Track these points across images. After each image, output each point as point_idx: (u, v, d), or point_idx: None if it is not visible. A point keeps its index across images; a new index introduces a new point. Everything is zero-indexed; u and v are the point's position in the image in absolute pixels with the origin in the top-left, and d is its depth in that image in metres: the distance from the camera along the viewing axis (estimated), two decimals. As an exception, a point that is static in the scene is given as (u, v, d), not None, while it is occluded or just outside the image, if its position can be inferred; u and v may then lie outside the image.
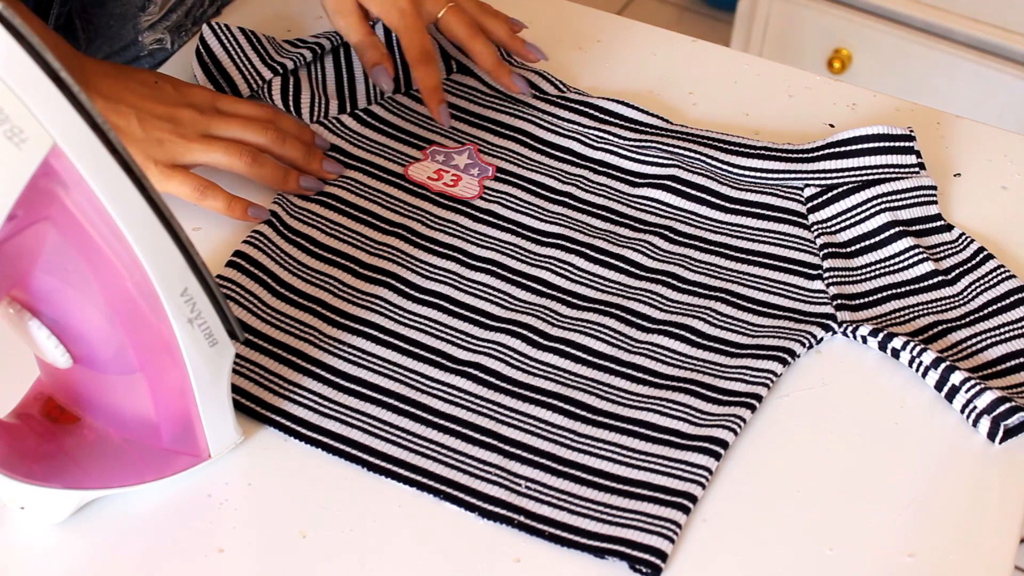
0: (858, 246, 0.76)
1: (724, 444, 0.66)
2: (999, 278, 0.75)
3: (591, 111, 0.84)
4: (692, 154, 0.81)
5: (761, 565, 0.62)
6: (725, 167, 0.80)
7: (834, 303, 0.73)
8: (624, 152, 0.82)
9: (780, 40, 1.69)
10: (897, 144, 0.79)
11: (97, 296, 0.57)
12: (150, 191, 0.55)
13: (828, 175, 0.80)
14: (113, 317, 0.58)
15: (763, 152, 0.81)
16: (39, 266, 0.56)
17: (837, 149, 0.80)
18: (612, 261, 0.75)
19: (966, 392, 0.68)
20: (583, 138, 0.83)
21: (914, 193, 0.79)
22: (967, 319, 0.73)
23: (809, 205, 0.79)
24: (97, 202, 0.54)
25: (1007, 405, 0.67)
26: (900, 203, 0.78)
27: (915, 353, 0.70)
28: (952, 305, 0.74)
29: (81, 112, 0.52)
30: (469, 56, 0.84)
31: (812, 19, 1.64)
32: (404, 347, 0.70)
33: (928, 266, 0.75)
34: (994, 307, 0.73)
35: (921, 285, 0.74)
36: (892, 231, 0.76)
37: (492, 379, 0.69)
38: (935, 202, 0.79)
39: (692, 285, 0.74)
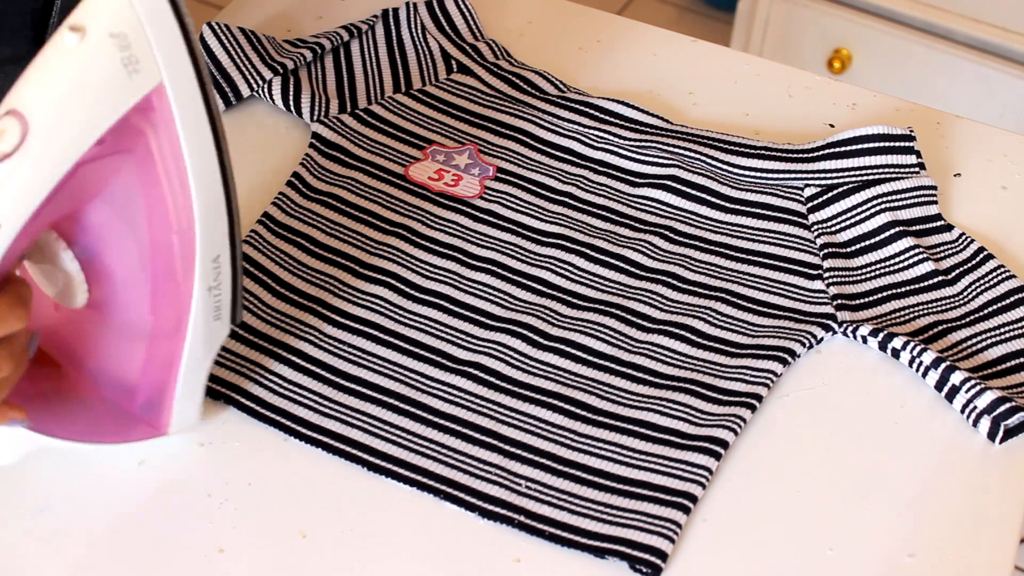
0: (858, 246, 0.76)
1: (724, 444, 0.66)
2: (999, 278, 0.75)
3: (591, 111, 0.84)
4: (692, 154, 0.81)
5: (761, 565, 0.62)
6: (725, 167, 0.80)
7: (834, 303, 0.73)
8: (624, 152, 0.82)
9: (780, 40, 1.68)
10: (897, 144, 0.79)
11: (143, 240, 0.57)
12: (224, 152, 0.56)
13: (828, 175, 0.80)
14: (147, 265, 0.58)
15: (763, 152, 0.81)
16: (103, 196, 0.56)
17: (837, 149, 0.80)
18: (612, 261, 0.75)
19: (966, 392, 0.68)
20: (583, 138, 0.83)
21: (914, 193, 0.79)
22: (967, 319, 0.73)
23: (809, 205, 0.79)
24: (178, 149, 0.55)
25: (1007, 405, 0.67)
26: (900, 203, 0.78)
27: (915, 353, 0.70)
28: (952, 305, 0.74)
29: (193, 61, 0.53)
30: None
31: (812, 19, 1.64)
32: (404, 347, 0.70)
33: (928, 266, 0.75)
34: (994, 307, 0.73)
35: (921, 285, 0.74)
36: (892, 231, 0.76)
37: (492, 379, 0.69)
38: (935, 202, 0.79)
39: (692, 285, 0.74)
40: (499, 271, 0.74)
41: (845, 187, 0.79)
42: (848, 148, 0.80)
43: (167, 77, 0.53)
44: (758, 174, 0.80)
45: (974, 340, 0.72)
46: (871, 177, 0.79)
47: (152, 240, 0.57)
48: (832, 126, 0.86)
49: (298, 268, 0.73)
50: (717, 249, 0.77)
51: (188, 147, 0.55)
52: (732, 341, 0.71)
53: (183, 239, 0.57)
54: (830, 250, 0.76)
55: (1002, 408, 0.67)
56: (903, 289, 0.74)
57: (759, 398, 0.68)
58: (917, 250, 0.75)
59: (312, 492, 0.64)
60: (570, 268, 0.75)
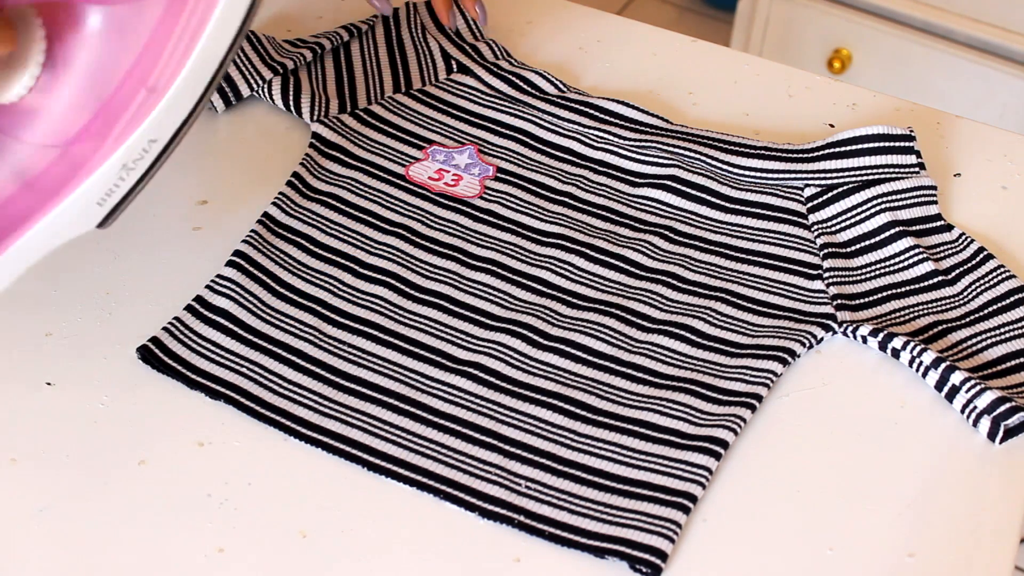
0: (858, 246, 0.76)
1: (724, 444, 0.66)
2: (999, 278, 0.75)
3: (591, 111, 0.84)
4: (692, 154, 0.81)
5: (761, 565, 0.62)
6: (725, 167, 0.80)
7: (834, 303, 0.73)
8: (624, 152, 0.82)
9: (780, 40, 1.69)
10: (897, 144, 0.80)
11: (113, 75, 0.54)
12: (230, 54, 0.54)
13: (828, 175, 0.80)
14: (97, 101, 0.54)
15: (763, 152, 0.81)
16: (115, 7, 0.53)
17: (837, 149, 0.80)
18: (612, 261, 0.75)
19: (966, 392, 0.68)
20: (583, 138, 0.83)
21: (914, 193, 0.79)
22: (967, 319, 0.73)
23: (809, 205, 0.79)
24: (207, 15, 0.53)
25: (1007, 405, 0.67)
26: (900, 203, 0.78)
27: (915, 353, 0.70)
28: (952, 305, 0.74)
29: None
30: None
31: (812, 19, 1.64)
32: (404, 347, 0.70)
33: (928, 266, 0.75)
34: (994, 307, 0.73)
35: (921, 285, 0.74)
36: (892, 231, 0.76)
37: (492, 379, 0.69)
38: (935, 202, 0.79)
39: (692, 285, 0.74)
40: (499, 271, 0.74)
41: (845, 187, 0.79)
42: (848, 148, 0.80)
43: None
44: (758, 174, 0.80)
45: (974, 340, 0.72)
46: (871, 177, 0.79)
47: (122, 81, 0.54)
48: (832, 126, 0.86)
49: (298, 268, 0.73)
50: (717, 249, 0.77)
51: (217, 21, 0.52)
52: (732, 341, 0.71)
53: (147, 100, 0.53)
54: (830, 250, 0.76)
55: (1002, 408, 0.67)
56: (903, 289, 0.74)
57: (759, 398, 0.68)
58: (917, 250, 0.75)
59: (312, 492, 0.64)
60: (570, 268, 0.75)
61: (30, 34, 0.54)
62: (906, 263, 0.75)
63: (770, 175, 0.80)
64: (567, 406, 0.67)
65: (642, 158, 0.81)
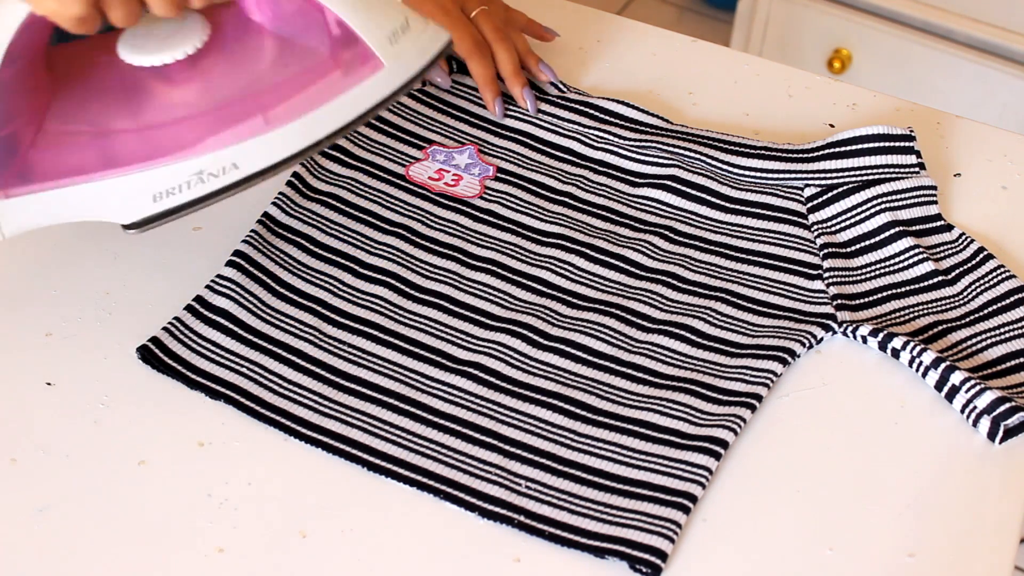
0: (858, 246, 0.76)
1: (724, 444, 0.66)
2: (999, 278, 0.75)
3: (591, 111, 0.84)
4: (692, 154, 0.81)
5: (761, 565, 0.62)
6: (725, 167, 0.80)
7: (834, 303, 0.73)
8: (624, 152, 0.82)
9: (780, 40, 1.69)
10: (897, 144, 0.80)
11: (253, 89, 0.55)
12: (353, 126, 0.57)
13: (828, 175, 0.80)
14: (220, 99, 0.55)
15: (763, 152, 0.81)
16: (299, 18, 0.55)
17: (837, 149, 0.80)
18: (612, 261, 0.75)
19: (966, 392, 0.68)
20: (583, 138, 0.83)
21: (914, 193, 0.79)
22: (967, 319, 0.73)
23: (809, 205, 0.79)
24: (346, 83, 0.56)
25: (1007, 405, 0.67)
26: (900, 203, 0.78)
27: (915, 353, 0.70)
28: (952, 305, 0.74)
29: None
30: (494, 57, 0.85)
31: (812, 19, 1.64)
32: (404, 347, 0.70)
33: (928, 266, 0.75)
34: (994, 307, 0.73)
35: (921, 285, 0.74)
36: (892, 231, 0.76)
37: (492, 379, 0.69)
38: (935, 202, 0.79)
39: (692, 285, 0.74)
40: (499, 271, 0.74)
41: (845, 187, 0.79)
42: (848, 148, 0.80)
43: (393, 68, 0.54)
44: (758, 174, 0.80)
45: (974, 340, 0.72)
46: (871, 177, 0.79)
47: (244, 99, 0.54)
48: (832, 126, 0.86)
49: (298, 268, 0.73)
50: (717, 249, 0.77)
51: (356, 92, 0.54)
52: (732, 341, 0.71)
53: (255, 127, 0.54)
54: (830, 250, 0.76)
55: (1002, 408, 0.67)
56: (903, 289, 0.74)
57: (759, 398, 0.68)
58: (917, 250, 0.75)
59: (312, 492, 0.64)
60: (570, 268, 0.75)
61: (193, 27, 0.54)
62: (906, 263, 0.75)
63: (770, 175, 0.80)
64: (567, 406, 0.68)
65: (642, 158, 0.81)
